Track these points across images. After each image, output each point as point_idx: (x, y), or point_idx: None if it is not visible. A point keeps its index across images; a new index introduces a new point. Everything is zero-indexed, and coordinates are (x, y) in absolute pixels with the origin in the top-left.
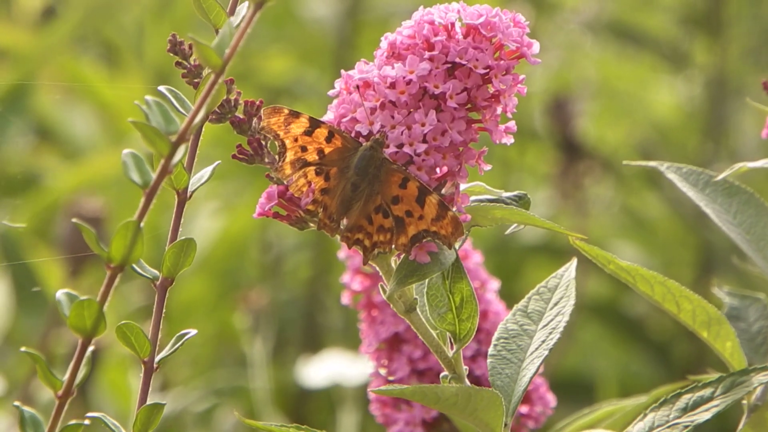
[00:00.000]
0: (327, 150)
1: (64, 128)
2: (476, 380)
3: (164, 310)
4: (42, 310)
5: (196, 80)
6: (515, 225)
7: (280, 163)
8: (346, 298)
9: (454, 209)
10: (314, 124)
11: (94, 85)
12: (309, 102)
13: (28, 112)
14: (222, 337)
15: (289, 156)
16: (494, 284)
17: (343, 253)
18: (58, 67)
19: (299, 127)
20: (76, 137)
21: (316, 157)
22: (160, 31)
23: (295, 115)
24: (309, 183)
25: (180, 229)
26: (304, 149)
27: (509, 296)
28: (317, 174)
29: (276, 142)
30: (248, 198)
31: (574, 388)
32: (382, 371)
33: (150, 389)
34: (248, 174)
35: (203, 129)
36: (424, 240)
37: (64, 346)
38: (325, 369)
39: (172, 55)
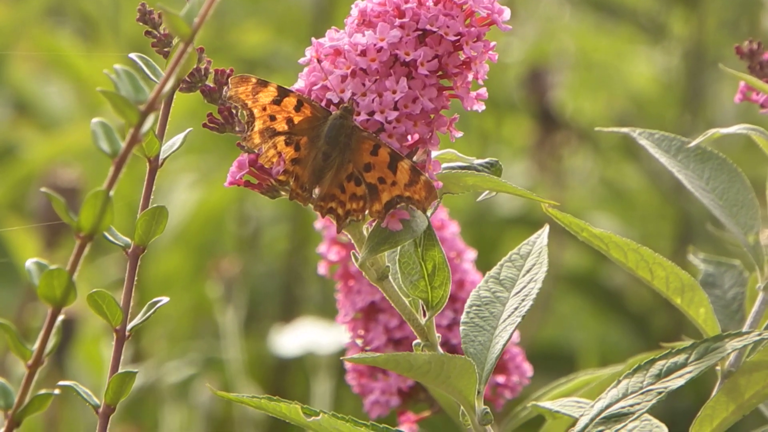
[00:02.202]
0: (296, 119)
1: (41, 101)
2: (453, 349)
3: (140, 281)
4: (15, 282)
5: (166, 49)
6: (487, 192)
7: (248, 133)
8: (322, 269)
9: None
10: (283, 93)
11: (70, 58)
12: (286, 74)
13: (5, 84)
14: (199, 309)
15: (258, 125)
16: (471, 254)
17: (319, 223)
18: (34, 40)
19: (267, 96)
20: (52, 110)
21: (286, 127)
22: (136, 3)
23: (263, 84)
24: (279, 154)
25: (152, 197)
26: (272, 118)
27: (488, 268)
28: (287, 144)
29: (244, 112)
30: (226, 171)
31: (553, 360)
32: (359, 341)
33: (124, 360)
34: (226, 147)
35: (181, 101)
36: (398, 206)
37: (40, 320)
38: (299, 337)
39: (141, 24)
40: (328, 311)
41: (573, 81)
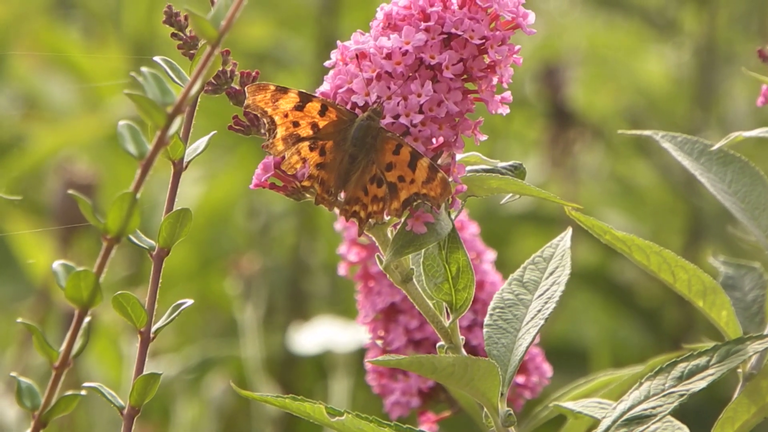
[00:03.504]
0: (321, 123)
1: (44, 95)
2: (473, 350)
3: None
4: (16, 278)
5: (191, 51)
6: (510, 195)
7: (270, 140)
8: (342, 270)
9: (450, 179)
10: (305, 98)
11: (71, 53)
12: (292, 69)
13: (10, 79)
14: (205, 304)
15: (280, 132)
16: (490, 255)
17: (339, 224)
18: (36, 35)
19: (288, 102)
20: (54, 104)
21: (311, 132)
22: (138, 0)
23: (282, 90)
24: (303, 160)
25: (176, 200)
26: (296, 124)
27: (498, 265)
28: (311, 149)
29: (264, 119)
30: (230, 166)
31: (563, 355)
32: (379, 342)
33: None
34: (231, 141)
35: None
36: (415, 203)
37: (53, 316)
38: (317, 336)
39: (167, 26)
40: (336, 305)
41: (583, 77)
